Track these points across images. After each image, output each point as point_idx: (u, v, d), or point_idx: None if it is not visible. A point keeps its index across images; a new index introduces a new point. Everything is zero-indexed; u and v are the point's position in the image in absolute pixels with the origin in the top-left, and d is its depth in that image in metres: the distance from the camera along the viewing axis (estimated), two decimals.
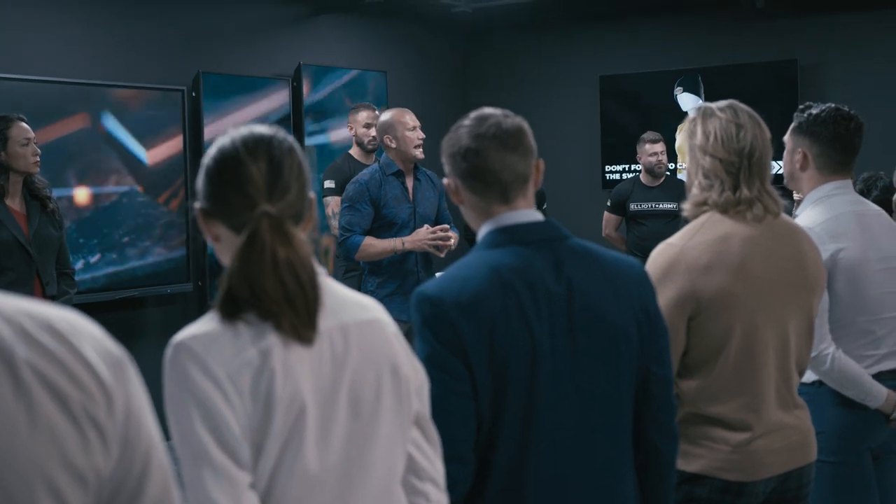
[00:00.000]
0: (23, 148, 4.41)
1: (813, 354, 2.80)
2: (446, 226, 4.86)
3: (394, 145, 4.95)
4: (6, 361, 0.95)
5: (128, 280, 6.38)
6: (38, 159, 4.49)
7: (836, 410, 2.93)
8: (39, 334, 0.98)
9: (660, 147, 6.95)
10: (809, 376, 2.93)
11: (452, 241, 4.86)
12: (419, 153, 4.96)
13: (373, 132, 5.83)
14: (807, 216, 2.95)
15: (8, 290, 4.22)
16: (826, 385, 2.93)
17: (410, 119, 4.98)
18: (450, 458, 1.83)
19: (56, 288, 4.53)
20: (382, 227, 4.93)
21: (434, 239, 4.82)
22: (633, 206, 7.02)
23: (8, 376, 0.95)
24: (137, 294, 6.51)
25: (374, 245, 4.85)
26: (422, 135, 4.98)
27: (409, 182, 5.05)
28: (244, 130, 1.69)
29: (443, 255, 4.85)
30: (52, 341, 0.99)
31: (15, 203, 4.44)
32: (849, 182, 3.04)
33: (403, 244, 4.83)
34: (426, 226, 4.93)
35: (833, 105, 3.02)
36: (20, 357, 0.96)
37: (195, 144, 6.71)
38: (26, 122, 4.51)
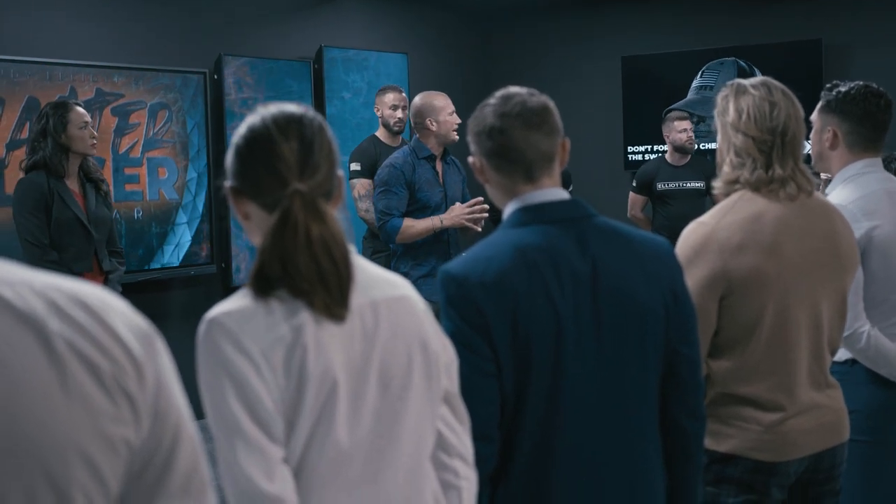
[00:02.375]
0: (81, 131, 4.65)
1: (848, 332, 2.79)
2: (480, 199, 4.87)
3: (434, 128, 4.98)
4: (40, 334, 0.96)
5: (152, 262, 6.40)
6: (96, 142, 4.77)
7: (869, 389, 2.91)
8: (71, 308, 1.00)
9: (687, 124, 6.90)
10: (842, 354, 2.91)
11: (485, 214, 4.92)
12: (456, 138, 4.98)
13: (399, 114, 5.85)
14: (838, 194, 2.93)
15: (70, 264, 4.48)
16: (859, 363, 2.91)
17: (450, 104, 5.04)
18: (476, 436, 1.84)
19: (109, 264, 4.81)
20: (415, 210, 4.97)
21: (471, 212, 4.87)
22: (659, 186, 6.97)
23: (42, 348, 0.96)
24: (161, 276, 6.54)
25: (413, 226, 4.89)
26: (458, 119, 5.01)
27: (439, 166, 5.09)
28: (274, 109, 1.69)
29: (479, 230, 4.88)
30: (84, 315, 1.00)
31: (73, 183, 4.71)
32: (878, 160, 3.02)
33: (442, 222, 4.88)
34: (458, 203, 5.00)
35: (862, 82, 3.00)
36: (53, 330, 0.97)
37: (218, 126, 6.71)
38: (82, 107, 4.77)
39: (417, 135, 5.06)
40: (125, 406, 1.00)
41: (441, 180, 5.07)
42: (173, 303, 6.72)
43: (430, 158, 5.02)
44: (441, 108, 4.99)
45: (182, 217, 6.11)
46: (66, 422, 0.96)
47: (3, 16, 5.82)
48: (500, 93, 2.04)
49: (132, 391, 1.01)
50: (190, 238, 6.24)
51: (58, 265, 4.53)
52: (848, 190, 2.93)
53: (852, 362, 2.93)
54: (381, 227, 4.97)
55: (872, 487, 2.93)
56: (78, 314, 1.00)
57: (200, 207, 6.19)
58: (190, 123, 6.20)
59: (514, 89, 2.04)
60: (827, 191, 3.07)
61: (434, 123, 4.98)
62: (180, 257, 6.20)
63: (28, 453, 0.93)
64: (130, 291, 5.86)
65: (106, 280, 4.78)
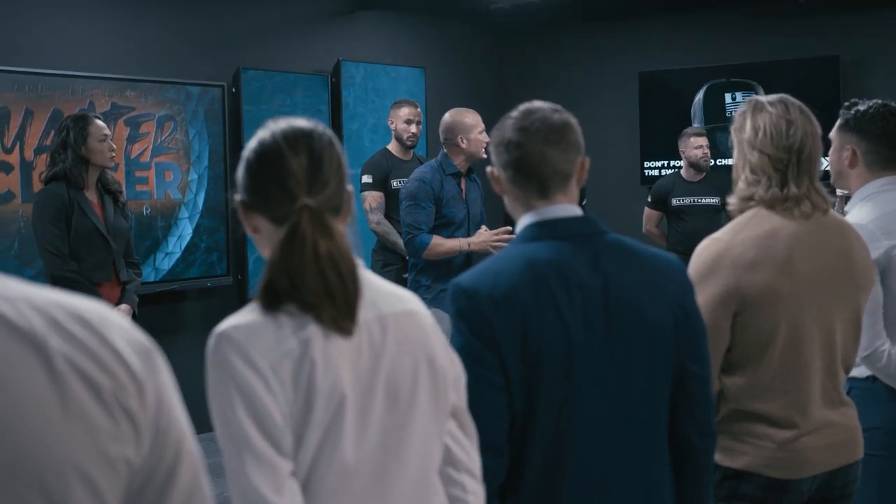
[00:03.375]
0: (100, 143, 4.71)
1: (869, 351, 2.79)
2: (509, 228, 4.87)
3: (465, 146, 4.99)
4: (41, 352, 0.95)
5: (168, 274, 6.49)
6: (114, 154, 4.85)
7: (889, 406, 2.90)
8: (71, 325, 0.99)
9: (703, 140, 6.90)
10: (863, 371, 2.91)
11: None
12: (485, 155, 4.95)
13: (413, 129, 5.85)
14: (857, 213, 2.92)
15: (89, 274, 4.52)
16: (880, 381, 2.89)
17: (480, 122, 5.05)
18: (484, 450, 1.83)
19: (127, 274, 4.85)
20: (440, 226, 4.98)
21: (498, 240, 4.87)
22: (674, 202, 6.96)
23: (43, 366, 0.95)
24: (177, 287, 6.57)
25: (442, 244, 4.91)
26: (487, 137, 5.01)
27: (463, 183, 5.11)
28: (284, 123, 1.69)
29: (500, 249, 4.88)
30: (83, 331, 0.99)
31: (91, 195, 4.76)
32: (895, 178, 3.00)
33: (469, 245, 4.91)
34: (483, 227, 5.03)
35: (880, 101, 3.00)
36: (54, 347, 0.96)
37: (235, 140, 6.75)
38: (102, 120, 4.85)
39: (445, 150, 5.06)
40: (125, 424, 0.99)
41: (464, 197, 5.09)
42: (189, 314, 6.75)
43: (456, 175, 5.04)
44: (472, 126, 4.99)
45: (184, 213, 6.46)
46: (65, 440, 0.94)
47: (27, 27, 5.89)
48: (523, 106, 2.05)
49: (132, 408, 1.00)
50: (191, 231, 6.50)
51: (77, 274, 4.56)
52: (867, 208, 2.92)
53: (873, 379, 2.91)
54: (408, 241, 4.97)
55: (890, 503, 2.91)
56: (77, 330, 0.99)
57: (200, 205, 6.50)
58: (192, 132, 6.48)
59: (537, 104, 2.05)
60: (846, 209, 3.06)
61: (465, 141, 4.98)
62: (182, 247, 6.46)
63: (27, 472, 0.92)
64: (147, 303, 5.89)
65: (123, 290, 4.81)
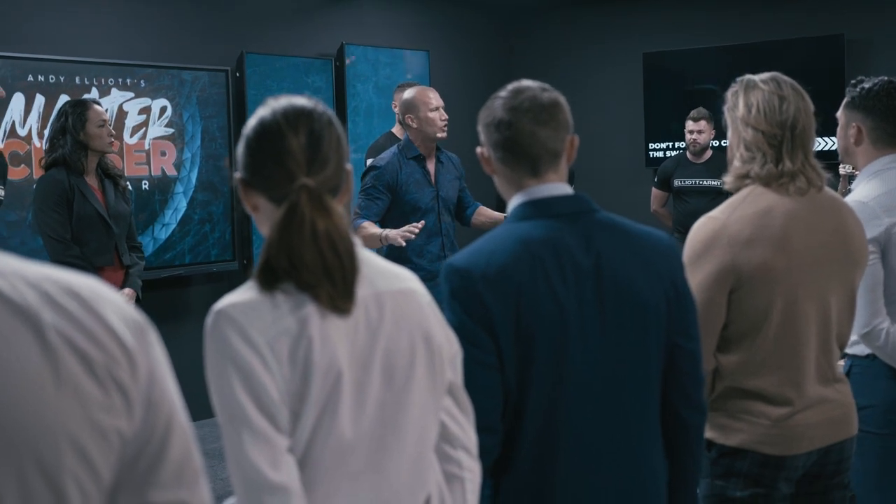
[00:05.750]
0: (99, 129, 4.74)
1: (868, 329, 2.80)
2: (420, 223, 4.54)
3: (415, 125, 4.76)
4: (33, 325, 0.97)
5: (174, 258, 6.55)
6: (114, 140, 4.87)
7: (888, 384, 2.91)
8: (64, 300, 1.01)
9: (696, 125, 6.91)
10: (862, 349, 2.92)
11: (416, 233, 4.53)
12: (442, 135, 4.77)
13: None
14: (861, 190, 2.93)
15: (92, 258, 4.55)
16: (879, 359, 2.91)
17: (434, 98, 4.79)
18: (478, 428, 1.85)
19: (130, 258, 4.89)
20: (406, 212, 4.74)
21: (406, 232, 4.45)
22: (677, 183, 6.99)
23: (35, 339, 0.97)
24: (183, 272, 6.61)
25: (363, 229, 4.57)
26: (445, 116, 4.80)
27: (431, 165, 4.86)
28: (284, 102, 1.70)
29: (403, 244, 4.49)
30: (77, 306, 1.01)
31: (92, 180, 4.79)
32: None
33: (386, 236, 4.50)
34: (481, 207, 4.92)
35: (885, 78, 3.01)
36: (46, 321, 0.98)
37: (240, 124, 6.76)
38: (100, 105, 4.88)
39: (406, 132, 4.84)
40: (117, 396, 1.01)
41: (433, 180, 4.85)
42: (195, 300, 6.78)
43: (419, 159, 4.80)
44: (421, 103, 4.74)
45: (179, 188, 6.62)
46: (58, 412, 0.97)
47: (30, 14, 5.90)
48: (511, 86, 2.05)
49: (124, 381, 1.02)
50: (185, 204, 6.65)
51: (80, 259, 4.58)
52: (871, 186, 2.93)
53: (872, 357, 2.92)
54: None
55: (889, 480, 2.93)
56: (71, 305, 1.01)
57: (193, 180, 6.68)
58: (185, 115, 6.61)
59: (526, 83, 2.05)
60: (852, 186, 3.07)
61: (414, 120, 4.75)
62: (178, 219, 6.61)
63: (20, 442, 0.94)
64: (152, 287, 5.93)
65: (126, 274, 4.84)
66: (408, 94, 4.86)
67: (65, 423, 0.97)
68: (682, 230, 6.38)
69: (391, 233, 4.49)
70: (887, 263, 2.86)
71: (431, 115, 4.74)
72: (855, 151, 3.02)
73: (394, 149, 4.88)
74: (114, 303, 1.05)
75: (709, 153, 6.97)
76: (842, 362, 2.85)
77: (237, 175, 1.71)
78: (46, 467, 0.96)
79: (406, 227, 4.48)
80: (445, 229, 4.87)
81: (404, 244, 4.48)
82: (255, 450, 1.54)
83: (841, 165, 5.85)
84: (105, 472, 1.00)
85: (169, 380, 1.09)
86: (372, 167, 4.79)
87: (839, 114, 3.05)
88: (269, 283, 1.61)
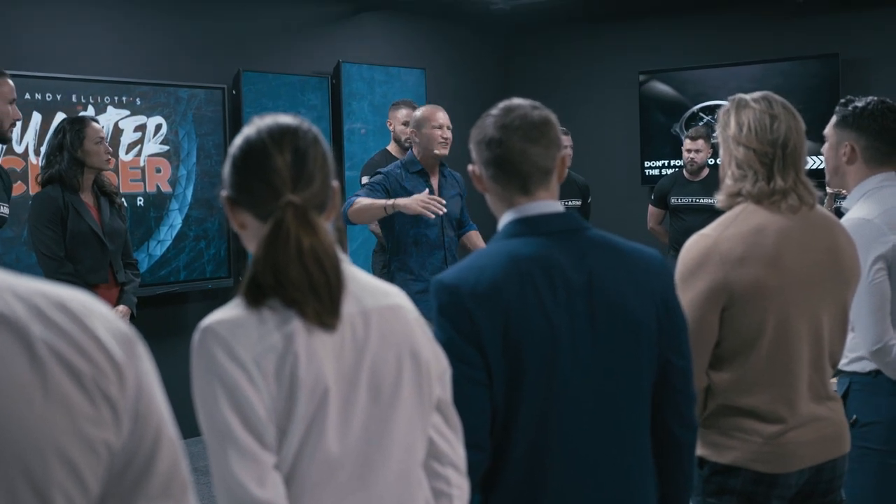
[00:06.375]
0: (97, 146, 4.74)
1: (878, 346, 2.81)
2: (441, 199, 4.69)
3: (417, 140, 4.91)
4: (23, 338, 0.98)
5: (169, 275, 6.56)
6: (111, 157, 4.87)
7: (891, 401, 2.91)
8: (53, 313, 1.01)
9: (694, 144, 6.92)
10: (866, 366, 2.92)
11: (443, 210, 4.67)
12: (441, 151, 4.88)
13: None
14: (860, 209, 2.93)
15: (86, 276, 4.54)
16: (882, 375, 2.91)
17: (442, 117, 4.91)
18: (467, 446, 1.84)
19: (125, 276, 4.87)
20: (410, 225, 4.84)
21: (430, 200, 4.62)
22: (673, 200, 7.01)
23: (24, 352, 0.98)
24: (178, 289, 6.60)
25: (362, 201, 4.69)
26: (448, 134, 4.90)
27: (435, 180, 4.98)
28: (269, 120, 1.71)
29: (433, 217, 4.65)
30: (66, 320, 1.02)
31: (87, 197, 4.78)
32: (893, 174, 3.02)
33: (394, 204, 4.63)
34: (474, 232, 4.96)
35: (877, 98, 3.02)
36: (36, 334, 0.99)
37: None
38: (98, 123, 4.87)
39: (411, 148, 5.00)
40: (105, 409, 1.02)
41: (437, 195, 4.91)
42: (191, 317, 6.77)
43: (423, 174, 4.92)
44: (425, 120, 4.89)
45: (174, 205, 6.66)
46: (46, 424, 0.97)
47: (27, 32, 5.93)
48: (503, 104, 2.06)
49: (112, 395, 1.03)
50: (181, 221, 6.67)
51: (74, 277, 4.57)
52: (869, 204, 2.93)
53: (876, 373, 2.92)
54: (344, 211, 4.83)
55: (886, 497, 2.92)
56: (60, 318, 1.01)
57: (189, 197, 6.70)
58: (181, 132, 6.66)
59: (517, 101, 2.06)
60: (845, 205, 3.07)
61: (417, 135, 4.90)
62: (173, 236, 6.64)
63: (9, 454, 0.95)
64: (147, 304, 5.92)
65: (121, 292, 4.83)
66: (418, 111, 5.02)
67: (53, 435, 0.98)
68: (679, 248, 6.36)
69: (402, 200, 4.62)
70: (894, 280, 2.86)
71: (433, 132, 4.87)
72: (846, 170, 3.02)
73: (397, 163, 5.04)
74: (103, 316, 1.06)
75: (706, 171, 6.98)
76: (834, 380, 2.85)
77: (223, 193, 1.71)
78: (34, 479, 0.96)
79: (426, 197, 4.59)
80: (448, 243, 4.95)
81: (432, 216, 4.59)
82: (241, 467, 1.54)
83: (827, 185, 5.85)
84: (93, 484, 1.01)
85: (157, 393, 1.09)
86: (377, 172, 4.94)
87: (827, 132, 3.05)
88: (255, 299, 1.61)
